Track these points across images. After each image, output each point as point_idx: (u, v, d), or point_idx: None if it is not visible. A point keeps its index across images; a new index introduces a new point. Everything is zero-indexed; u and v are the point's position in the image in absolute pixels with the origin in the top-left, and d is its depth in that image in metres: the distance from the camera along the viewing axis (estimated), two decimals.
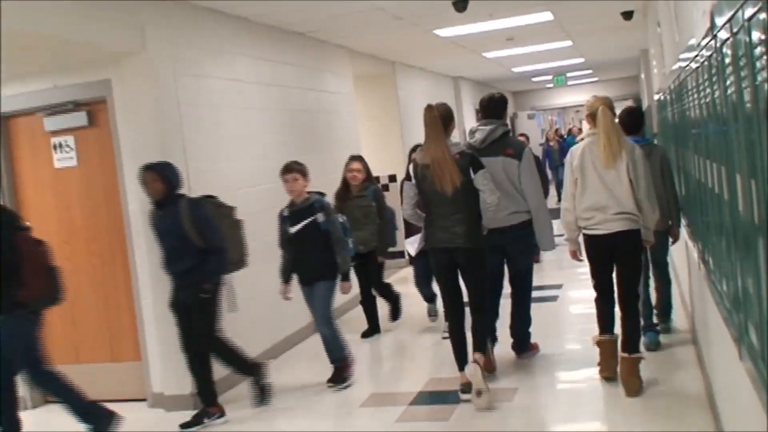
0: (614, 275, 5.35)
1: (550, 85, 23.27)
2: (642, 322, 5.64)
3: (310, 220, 5.93)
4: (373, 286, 7.57)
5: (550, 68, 17.57)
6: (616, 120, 5.50)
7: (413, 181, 5.37)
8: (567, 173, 5.29)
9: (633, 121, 6.02)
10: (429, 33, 9.85)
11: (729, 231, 3.14)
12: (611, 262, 5.25)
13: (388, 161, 11.74)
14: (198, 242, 5.36)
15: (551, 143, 20.52)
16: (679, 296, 7.44)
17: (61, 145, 6.27)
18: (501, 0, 8.29)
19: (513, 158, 5.78)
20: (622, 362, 5.19)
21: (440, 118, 5.25)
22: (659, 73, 8.87)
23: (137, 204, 5.94)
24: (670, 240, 6.16)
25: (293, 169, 5.98)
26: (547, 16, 9.71)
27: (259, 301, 6.81)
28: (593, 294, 5.60)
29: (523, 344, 6.26)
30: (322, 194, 6.13)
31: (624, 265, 5.22)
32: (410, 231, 7.03)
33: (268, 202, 7.22)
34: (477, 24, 9.66)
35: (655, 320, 6.22)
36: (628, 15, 10.30)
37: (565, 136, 23.62)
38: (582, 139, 5.36)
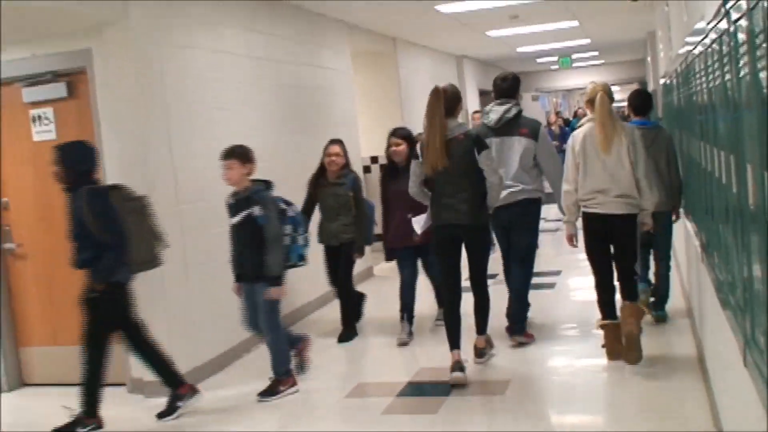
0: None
1: (555, 67, 22.93)
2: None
3: (247, 212, 5.34)
4: (341, 282, 6.88)
5: (555, 49, 17.23)
6: (624, 103, 5.47)
7: (420, 159, 5.43)
8: (569, 157, 5.42)
9: (641, 102, 6.18)
10: (430, 8, 9.56)
11: (736, 225, 2.91)
12: (608, 242, 5.42)
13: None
14: (98, 235, 4.94)
15: (552, 127, 19.80)
16: (679, 281, 7.28)
17: (40, 118, 6.02)
18: None
19: (528, 137, 5.95)
20: (623, 310, 5.35)
21: (447, 100, 5.31)
22: (666, 56, 8.60)
23: (116, 180, 5.69)
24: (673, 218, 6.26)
25: (231, 154, 5.35)
26: None
27: None
28: (592, 281, 5.65)
29: (517, 326, 6.13)
30: (267, 183, 5.49)
31: (621, 247, 5.40)
32: (387, 225, 6.62)
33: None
34: (480, 0, 9.37)
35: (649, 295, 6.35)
36: None
37: (571, 119, 23.20)
38: (581, 124, 5.50)
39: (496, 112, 5.99)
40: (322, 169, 6.80)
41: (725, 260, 3.38)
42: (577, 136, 5.40)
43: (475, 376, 5.54)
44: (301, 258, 5.71)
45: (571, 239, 5.63)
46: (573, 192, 5.38)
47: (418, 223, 5.75)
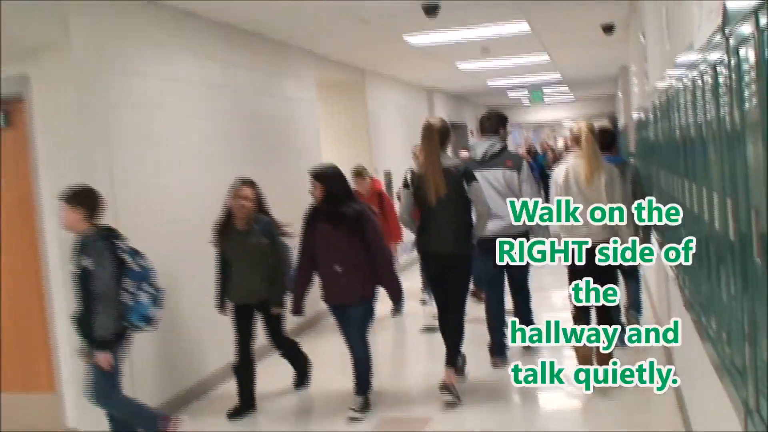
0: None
1: (527, 102, 22.82)
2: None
3: (78, 263, 4.55)
4: (274, 344, 6.04)
5: (526, 83, 17.04)
6: None
7: (411, 189, 5.71)
8: (553, 190, 5.79)
9: (606, 140, 6.58)
10: (399, 39, 9.24)
11: (735, 276, 2.55)
12: (591, 270, 5.69)
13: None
14: None
15: None
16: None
17: None
18: (475, 5, 7.68)
19: (512, 170, 6.38)
20: (599, 357, 5.79)
21: (438, 133, 5.63)
22: (640, 90, 8.33)
23: (53, 218, 5.25)
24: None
25: (62, 197, 4.66)
26: (523, 26, 9.14)
27: (190, 329, 6.14)
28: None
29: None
30: (109, 230, 4.71)
31: (602, 274, 5.71)
32: (304, 279, 5.62)
33: (210, 217, 6.55)
34: (450, 32, 9.08)
35: (623, 319, 6.84)
36: (608, 29, 9.77)
37: (539, 153, 23.11)
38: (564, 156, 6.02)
39: (481, 146, 6.50)
40: (228, 217, 5.78)
41: (718, 316, 3.03)
42: (560, 170, 5.80)
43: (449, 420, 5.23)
44: (145, 320, 4.69)
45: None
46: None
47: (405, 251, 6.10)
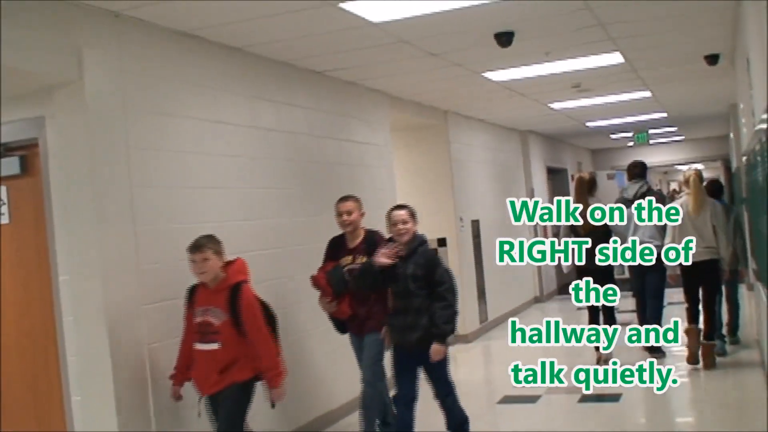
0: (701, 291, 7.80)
1: (631, 144, 21.60)
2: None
3: None
4: None
5: (629, 123, 15.93)
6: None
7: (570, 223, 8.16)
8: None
9: (715, 189, 8.60)
10: (478, 75, 8.53)
11: None
12: (698, 281, 7.68)
13: (437, 223, 10.38)
14: None
15: None
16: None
17: None
18: (555, 34, 6.91)
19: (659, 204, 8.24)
20: (702, 348, 7.47)
21: (587, 183, 8.17)
22: (748, 130, 7.35)
23: (68, 275, 4.73)
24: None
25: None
26: (616, 57, 8.28)
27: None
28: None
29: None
30: None
31: (707, 283, 7.73)
32: None
33: (262, 272, 5.94)
34: (533, 66, 8.31)
35: (724, 332, 8.37)
36: (712, 59, 8.80)
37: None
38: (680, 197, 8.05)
39: (632, 188, 8.53)
40: None
41: None
42: (676, 204, 7.76)
43: None
44: None
45: (672, 278, 7.92)
46: (673, 244, 7.56)
47: (567, 267, 8.20)
